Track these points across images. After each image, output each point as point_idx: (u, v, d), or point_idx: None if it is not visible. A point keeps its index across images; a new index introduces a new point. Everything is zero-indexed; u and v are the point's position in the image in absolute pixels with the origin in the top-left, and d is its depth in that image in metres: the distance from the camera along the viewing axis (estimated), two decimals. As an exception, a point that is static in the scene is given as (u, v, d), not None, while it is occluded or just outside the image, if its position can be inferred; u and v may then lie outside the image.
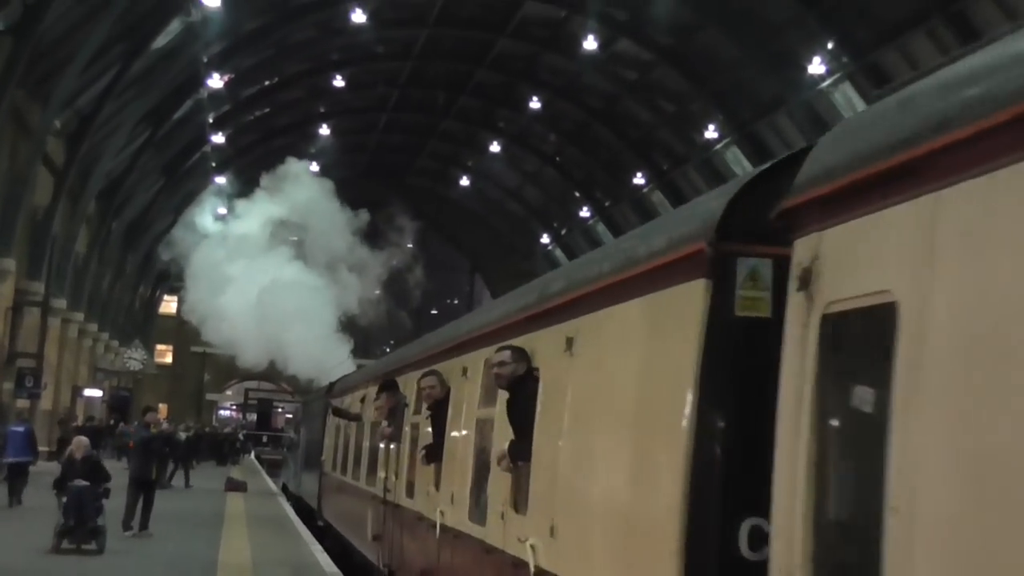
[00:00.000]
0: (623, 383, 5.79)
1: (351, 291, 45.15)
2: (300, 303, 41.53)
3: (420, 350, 12.58)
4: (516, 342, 7.74)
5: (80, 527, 17.59)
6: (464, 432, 9.27)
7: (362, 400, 16.75)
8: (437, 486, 10.03)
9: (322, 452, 23.79)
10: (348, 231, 46.25)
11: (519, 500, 7.45)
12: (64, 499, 17.78)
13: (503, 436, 7.74)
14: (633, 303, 5.78)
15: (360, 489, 15.98)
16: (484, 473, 8.45)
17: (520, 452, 7.29)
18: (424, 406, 10.60)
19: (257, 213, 47.41)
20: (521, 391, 7.45)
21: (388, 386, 12.45)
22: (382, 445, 13.48)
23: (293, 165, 48.32)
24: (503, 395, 7.81)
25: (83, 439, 19.69)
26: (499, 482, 7.83)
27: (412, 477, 11.39)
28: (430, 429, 10.38)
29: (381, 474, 13.44)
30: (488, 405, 8.62)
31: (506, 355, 7.59)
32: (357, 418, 16.80)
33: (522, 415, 7.33)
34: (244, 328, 43.06)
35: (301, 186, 47.23)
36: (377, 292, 49.26)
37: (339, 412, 16.98)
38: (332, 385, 25.41)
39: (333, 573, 16.55)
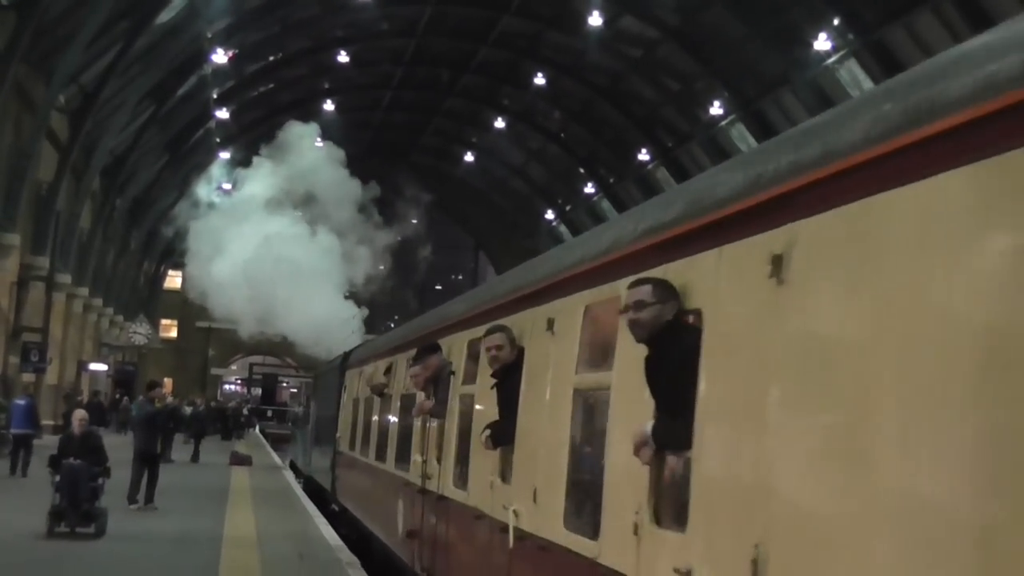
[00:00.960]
0: (926, 327, 3.07)
1: (357, 264, 41.92)
2: (297, 257, 37.83)
3: (474, 303, 9.55)
4: (652, 274, 5.04)
5: (74, 509, 15.80)
6: (552, 406, 6.38)
7: (388, 370, 13.91)
8: (506, 477, 7.24)
9: (336, 428, 20.82)
10: (354, 201, 42.96)
11: (666, 507, 4.71)
12: (57, 477, 15.99)
13: (635, 412, 4.94)
14: (940, 179, 3.07)
15: (387, 473, 13.05)
16: (593, 464, 5.68)
17: (673, 436, 4.58)
18: (486, 373, 7.75)
19: (259, 178, 44.13)
20: (670, 345, 4.71)
21: (428, 350, 9.64)
22: (418, 422, 10.57)
23: (296, 127, 45.09)
24: (632, 353, 5.00)
25: (82, 412, 18.12)
26: (628, 479, 4.98)
27: (465, 463, 8.55)
28: (495, 403, 7.48)
29: (417, 457, 10.53)
30: (593, 368, 5.85)
31: (645, 292, 4.83)
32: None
33: (672, 381, 4.61)
34: (239, 289, 39.15)
35: (305, 149, 43.97)
36: (382, 267, 46.36)
37: (376, 390, 14.10)
38: (348, 354, 22.28)
39: (338, 546, 15.32)
